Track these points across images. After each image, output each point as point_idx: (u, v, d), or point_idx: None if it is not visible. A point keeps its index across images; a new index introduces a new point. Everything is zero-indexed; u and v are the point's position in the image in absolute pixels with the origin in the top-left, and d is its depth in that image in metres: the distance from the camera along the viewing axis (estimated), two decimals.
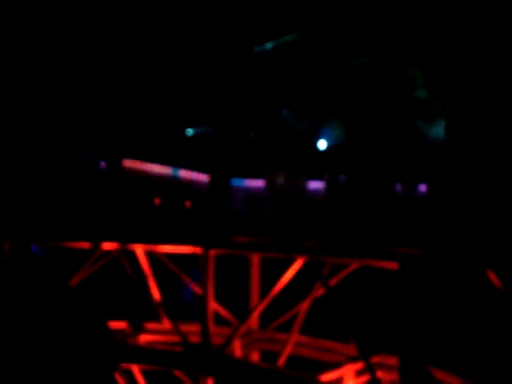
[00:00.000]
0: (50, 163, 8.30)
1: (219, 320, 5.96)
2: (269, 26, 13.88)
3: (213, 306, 5.65)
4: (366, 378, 5.45)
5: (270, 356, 6.13)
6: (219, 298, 5.74)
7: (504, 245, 6.84)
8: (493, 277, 4.93)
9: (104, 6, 12.03)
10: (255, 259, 6.42)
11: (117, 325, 6.07)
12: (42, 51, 9.06)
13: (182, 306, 6.18)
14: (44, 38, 9.80)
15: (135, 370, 6.12)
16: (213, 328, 5.78)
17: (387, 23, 13.71)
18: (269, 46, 14.18)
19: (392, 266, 5.00)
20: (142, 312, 5.39)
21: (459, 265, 5.12)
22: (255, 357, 6.38)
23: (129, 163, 9.74)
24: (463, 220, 5.91)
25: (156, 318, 6.23)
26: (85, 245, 6.17)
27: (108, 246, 6.47)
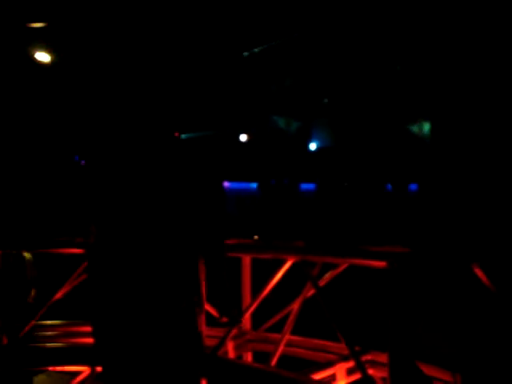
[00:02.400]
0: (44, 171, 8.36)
1: (212, 322, 6.01)
2: (257, 31, 13.99)
3: (205, 307, 5.69)
4: (357, 375, 5.51)
5: (262, 356, 6.20)
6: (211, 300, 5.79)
7: (491, 240, 6.93)
8: (479, 273, 4.98)
9: (99, 8, 12.11)
10: (246, 260, 6.48)
11: None
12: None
13: None
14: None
15: None
16: (205, 330, 5.82)
17: (377, 25, 13.79)
18: (257, 49, 14.25)
19: (380, 264, 5.06)
20: None
21: (447, 261, 5.18)
22: (248, 357, 6.44)
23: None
24: (451, 217, 6.01)
25: None
26: (78, 251, 6.20)
27: None
